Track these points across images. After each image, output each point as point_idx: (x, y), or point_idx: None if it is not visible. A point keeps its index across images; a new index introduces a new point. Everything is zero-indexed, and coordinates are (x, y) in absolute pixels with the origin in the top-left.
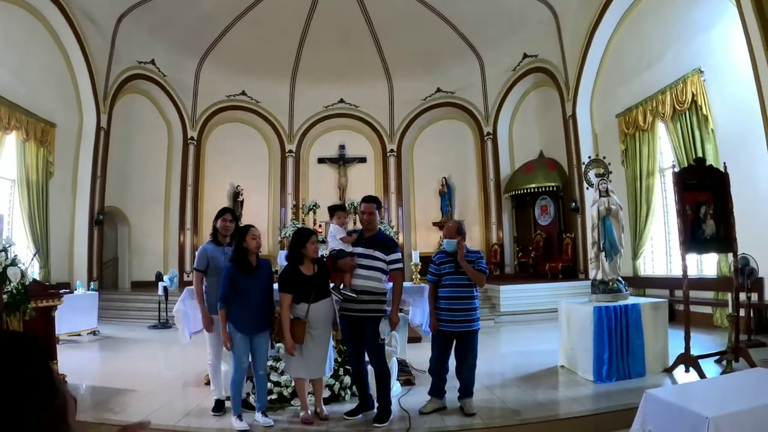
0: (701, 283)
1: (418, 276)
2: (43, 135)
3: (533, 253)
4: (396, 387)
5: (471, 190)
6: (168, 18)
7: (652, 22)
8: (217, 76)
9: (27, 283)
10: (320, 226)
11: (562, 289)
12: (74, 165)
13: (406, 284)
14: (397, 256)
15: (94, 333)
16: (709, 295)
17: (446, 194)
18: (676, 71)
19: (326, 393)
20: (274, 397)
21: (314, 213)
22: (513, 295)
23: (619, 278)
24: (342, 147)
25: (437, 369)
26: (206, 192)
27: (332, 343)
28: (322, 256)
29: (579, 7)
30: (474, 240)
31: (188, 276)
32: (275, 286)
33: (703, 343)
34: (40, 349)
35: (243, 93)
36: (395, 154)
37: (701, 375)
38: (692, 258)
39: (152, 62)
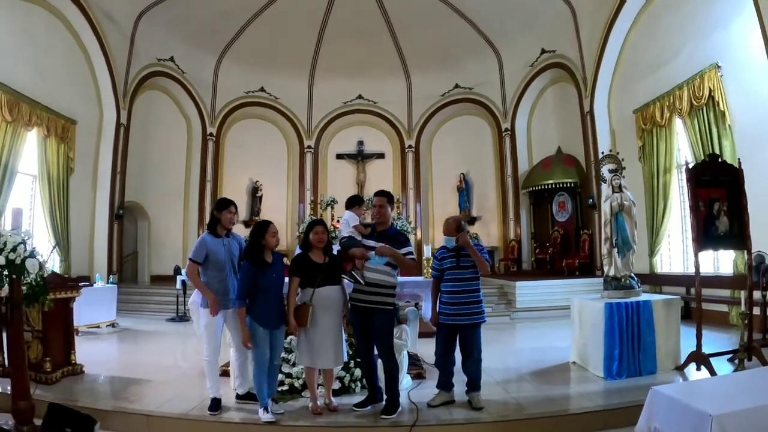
0: (717, 281)
1: (430, 271)
2: (64, 131)
3: (550, 249)
4: (406, 380)
5: (489, 186)
6: (186, 15)
7: (670, 17)
8: (235, 73)
9: (45, 275)
10: (338, 221)
11: (579, 286)
12: (94, 161)
13: (418, 279)
14: (408, 249)
15: (112, 325)
16: (726, 293)
17: (464, 190)
18: (694, 67)
19: (336, 385)
20: (285, 388)
21: (332, 208)
22: (529, 292)
23: (632, 275)
24: (360, 143)
25: (443, 362)
26: (225, 187)
27: (344, 335)
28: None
29: (596, 2)
30: (492, 236)
31: None
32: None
33: (718, 341)
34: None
35: (262, 89)
36: (413, 149)
37: (712, 373)
38: (708, 255)
39: (171, 59)
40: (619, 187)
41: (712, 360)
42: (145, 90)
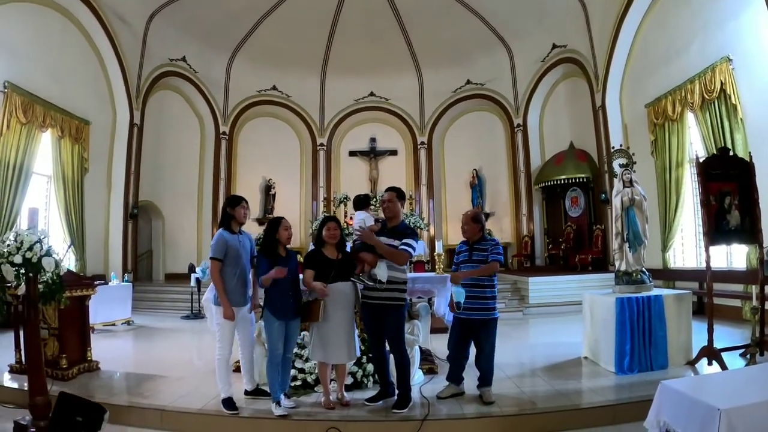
0: (730, 276)
1: (441, 266)
2: (78, 132)
3: (563, 245)
4: (418, 375)
5: (501, 181)
6: (198, 15)
7: (680, 9)
8: (247, 72)
9: (62, 273)
10: (351, 218)
11: (592, 281)
12: (108, 161)
13: (429, 274)
14: (406, 241)
15: (128, 323)
16: (739, 287)
17: (477, 186)
18: (705, 60)
19: (349, 380)
20: (298, 383)
21: (345, 205)
22: (542, 287)
23: (643, 269)
24: (373, 140)
25: (455, 356)
26: (239, 185)
27: (356, 331)
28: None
29: None
30: (505, 232)
31: None
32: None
33: (730, 336)
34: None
35: (274, 88)
36: (426, 146)
37: (724, 368)
38: (721, 250)
39: (183, 59)
40: (630, 181)
41: (724, 355)
42: (157, 90)
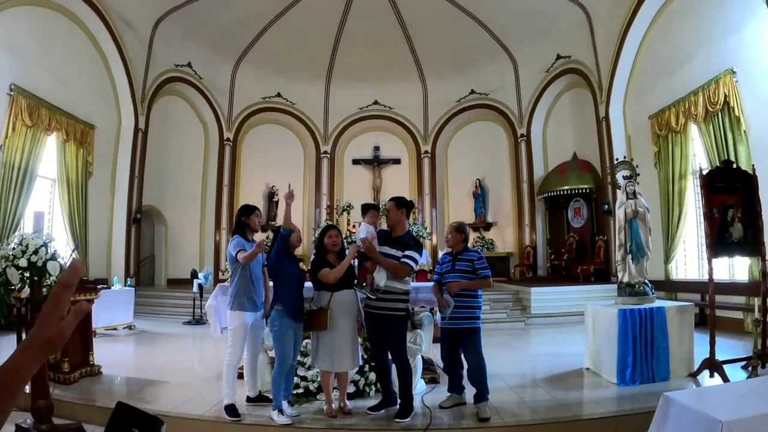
0: (732, 288)
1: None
2: (83, 136)
3: (566, 255)
4: (420, 385)
5: (504, 191)
6: (204, 22)
7: (684, 22)
8: (252, 78)
9: None
10: (354, 226)
11: (594, 292)
12: (113, 165)
13: (432, 284)
14: (409, 253)
15: (129, 327)
16: (741, 299)
17: (480, 196)
18: (708, 72)
19: (351, 388)
20: (300, 391)
21: (348, 213)
22: (544, 298)
23: (646, 281)
24: (376, 148)
25: (450, 366)
26: (242, 192)
27: (359, 339)
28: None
29: (611, 8)
30: (507, 242)
31: (223, 274)
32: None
33: (732, 348)
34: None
35: (278, 95)
36: (429, 155)
37: (725, 380)
38: (724, 262)
39: (189, 65)
40: (634, 193)
41: (726, 367)
42: (162, 95)
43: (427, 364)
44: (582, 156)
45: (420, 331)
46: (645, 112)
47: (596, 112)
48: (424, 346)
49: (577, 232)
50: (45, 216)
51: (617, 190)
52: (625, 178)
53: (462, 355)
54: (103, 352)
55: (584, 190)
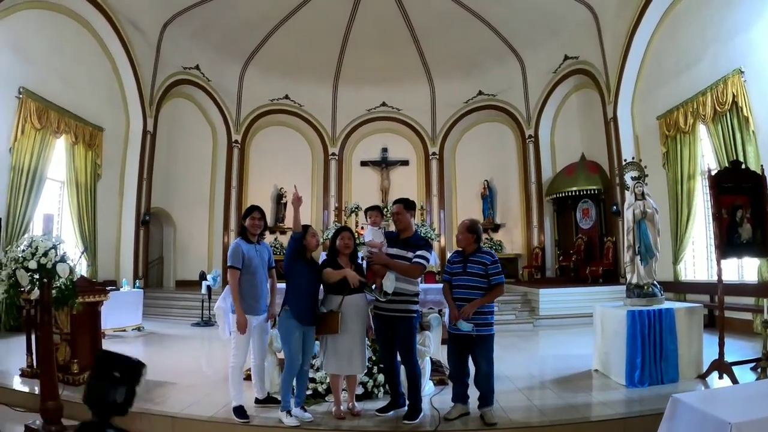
0: (741, 289)
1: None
2: (92, 138)
3: (574, 256)
4: (429, 386)
5: (513, 193)
6: (211, 24)
7: (692, 22)
8: (260, 81)
9: (75, 279)
10: (362, 228)
11: (602, 293)
12: (121, 167)
13: (440, 285)
14: (420, 253)
15: (138, 329)
16: (750, 300)
17: (488, 197)
18: (716, 72)
19: (360, 390)
20: (309, 393)
21: (356, 215)
22: (552, 299)
23: (655, 282)
24: (384, 150)
25: (457, 374)
26: (250, 194)
27: (367, 342)
28: (361, 257)
29: (619, 8)
30: (515, 243)
31: None
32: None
33: (741, 349)
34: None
35: (286, 97)
36: (437, 156)
37: (734, 382)
38: (733, 263)
39: (197, 67)
40: (642, 194)
41: (735, 369)
42: (171, 98)
43: (436, 366)
44: (590, 157)
45: (428, 332)
46: (653, 113)
47: (604, 112)
48: (432, 347)
49: (586, 233)
50: (54, 218)
51: (626, 191)
52: (633, 179)
53: (470, 360)
54: None
55: (592, 191)
